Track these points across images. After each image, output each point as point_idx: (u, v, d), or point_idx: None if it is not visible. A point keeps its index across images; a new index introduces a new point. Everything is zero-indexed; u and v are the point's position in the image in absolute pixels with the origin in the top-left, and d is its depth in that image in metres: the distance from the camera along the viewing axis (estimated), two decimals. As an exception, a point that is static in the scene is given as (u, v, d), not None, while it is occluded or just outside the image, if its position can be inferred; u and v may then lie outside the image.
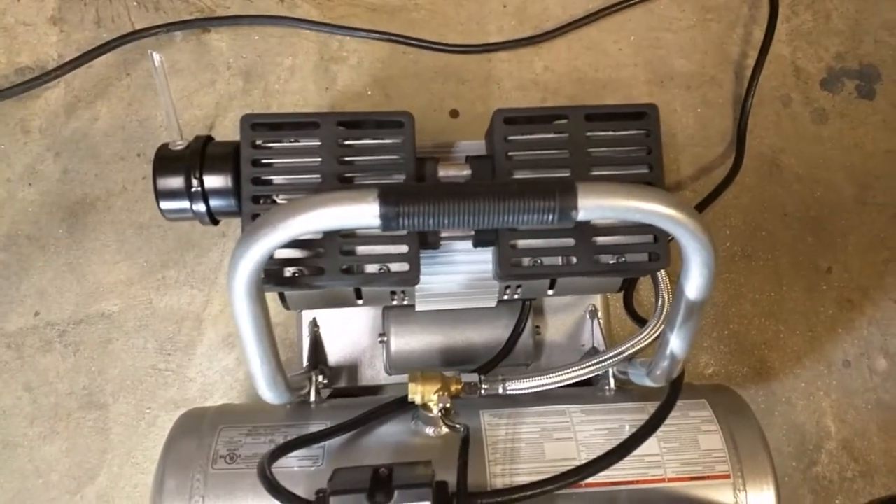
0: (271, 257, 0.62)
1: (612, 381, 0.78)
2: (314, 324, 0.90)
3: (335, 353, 0.91)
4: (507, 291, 0.76)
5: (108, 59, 1.03)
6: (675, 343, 0.60)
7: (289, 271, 0.62)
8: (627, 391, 0.78)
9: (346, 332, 0.91)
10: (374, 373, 0.91)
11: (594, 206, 0.50)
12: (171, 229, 1.00)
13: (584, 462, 0.61)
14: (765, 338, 1.01)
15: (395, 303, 0.78)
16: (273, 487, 0.54)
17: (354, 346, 0.91)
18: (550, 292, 0.77)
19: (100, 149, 1.01)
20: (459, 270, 0.73)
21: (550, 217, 0.50)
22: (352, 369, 0.92)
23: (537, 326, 0.90)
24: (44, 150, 1.01)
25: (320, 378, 0.79)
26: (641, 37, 1.09)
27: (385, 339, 0.86)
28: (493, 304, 0.80)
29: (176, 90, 1.03)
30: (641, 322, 0.89)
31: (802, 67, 1.09)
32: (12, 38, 1.04)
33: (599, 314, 0.92)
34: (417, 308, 0.80)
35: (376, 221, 0.49)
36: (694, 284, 0.55)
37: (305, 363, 0.88)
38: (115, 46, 1.01)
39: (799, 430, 1.01)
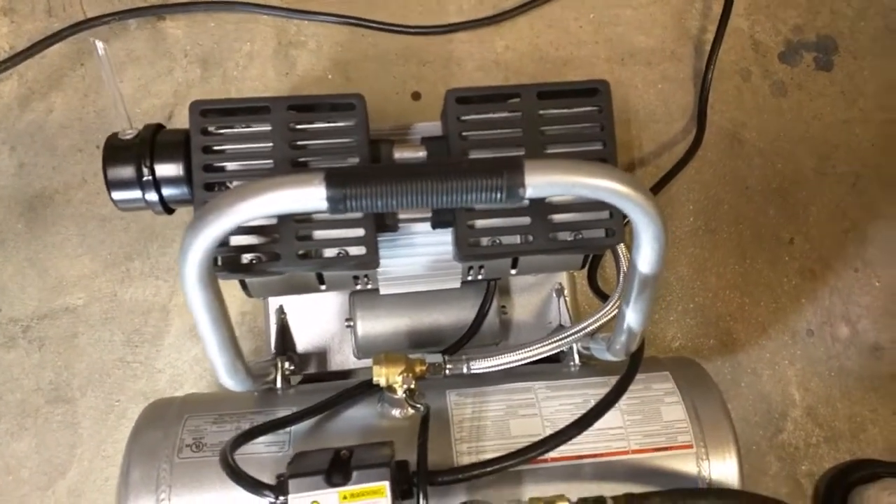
0: (227, 244, 0.62)
1: (576, 357, 0.79)
2: (281, 311, 0.90)
3: (303, 339, 0.91)
4: (471, 272, 0.77)
5: (62, 49, 1.01)
6: (632, 316, 0.61)
7: (246, 258, 0.62)
8: (592, 366, 0.79)
9: (314, 318, 0.91)
10: (344, 358, 0.91)
11: (542, 182, 0.50)
12: (134, 221, 0.99)
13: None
14: (730, 310, 1.02)
15: (359, 287, 0.78)
16: (234, 473, 0.54)
17: (322, 331, 0.91)
18: (513, 272, 0.77)
19: (56, 141, 1.00)
20: (420, 252, 0.73)
21: (498, 195, 0.50)
22: (321, 355, 0.92)
23: (503, 306, 0.90)
24: (-2, 144, 1.00)
25: (287, 364, 0.79)
26: (601, 14, 1.09)
27: (352, 323, 0.86)
28: (457, 285, 0.80)
29: (132, 79, 1.02)
30: (605, 297, 0.89)
31: (761, 41, 1.10)
32: (-38, 29, 1.02)
33: (566, 292, 0.93)
34: (382, 292, 0.80)
35: (323, 205, 0.49)
36: (645, 258, 0.56)
37: (272, 350, 0.88)
38: (67, 36, 1.00)
39: (765, 400, 1.02)
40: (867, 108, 1.08)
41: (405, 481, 0.53)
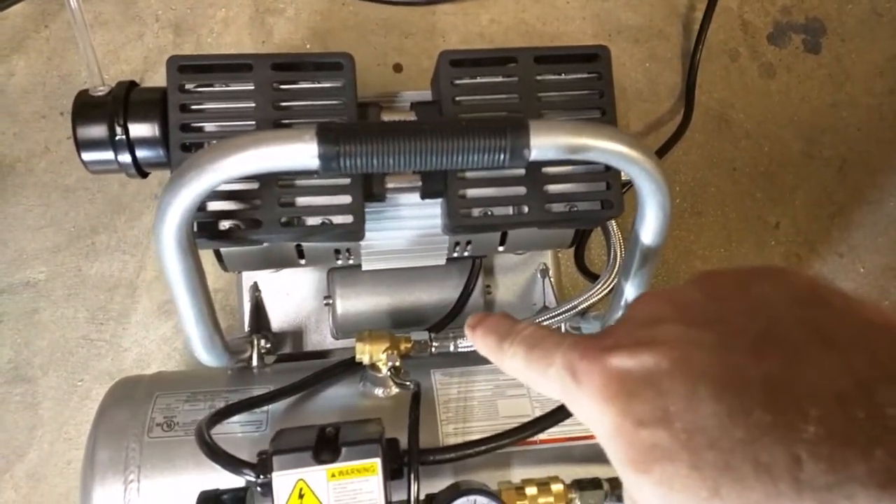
0: (204, 209, 0.58)
1: (565, 337, 0.77)
2: (255, 288, 0.86)
3: (278, 318, 0.87)
4: (457, 248, 0.74)
5: (24, 9, 0.96)
6: (631, 291, 0.59)
7: (224, 224, 0.58)
8: (581, 347, 0.77)
9: (290, 296, 0.88)
10: (321, 338, 0.88)
11: (547, 144, 0.47)
12: (100, 192, 0.94)
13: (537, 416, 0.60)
14: (715, 293, 1.01)
15: (339, 263, 0.75)
16: (212, 451, 0.51)
17: (298, 310, 0.88)
18: (501, 248, 0.74)
19: (18, 107, 0.94)
20: (407, 226, 0.69)
21: (501, 157, 0.47)
22: (296, 335, 0.88)
23: (488, 286, 0.88)
24: (-45, 109, 0.94)
25: (262, 342, 0.76)
26: (590, -11, 1.06)
27: (330, 301, 0.82)
28: (442, 261, 0.77)
29: (101, 44, 0.97)
30: (593, 277, 0.87)
31: (750, 21, 1.08)
32: (-84, -14, 0.96)
33: (550, 273, 0.90)
34: (364, 267, 0.76)
35: (314, 162, 0.46)
36: (649, 228, 0.54)
37: (247, 328, 0.84)
38: (31, -6, 0.94)
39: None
40: (854, 92, 1.07)
41: (395, 460, 0.50)
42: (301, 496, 0.47)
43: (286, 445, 0.48)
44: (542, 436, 0.64)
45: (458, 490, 0.52)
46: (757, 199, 1.03)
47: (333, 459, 0.46)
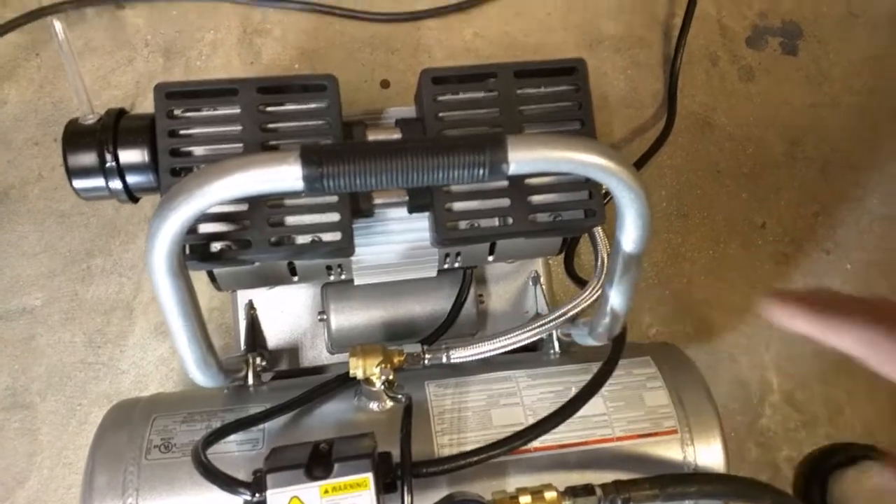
0: (195, 231, 0.59)
1: (556, 344, 0.78)
2: (250, 306, 0.87)
3: (274, 335, 0.88)
4: (448, 259, 0.75)
5: (16, 38, 0.97)
6: (615, 298, 0.60)
7: (215, 246, 0.59)
8: (572, 353, 0.78)
9: (285, 313, 0.88)
10: (317, 353, 0.89)
11: (525, 158, 0.48)
12: (95, 216, 0.95)
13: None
14: (705, 296, 1.02)
15: (332, 278, 0.76)
16: (208, 471, 0.51)
17: (294, 327, 0.89)
18: (490, 258, 0.75)
19: (11, 134, 0.96)
20: (396, 240, 0.71)
21: (481, 172, 0.48)
22: (293, 351, 0.89)
23: (480, 295, 0.89)
24: (-52, 139, 0.95)
25: (258, 360, 0.77)
26: (569, 0, 1.08)
27: (325, 317, 0.83)
28: (433, 273, 0.78)
29: (91, 70, 0.98)
30: (583, 283, 0.88)
31: (728, 25, 1.10)
32: None
33: (542, 280, 0.91)
34: (356, 282, 0.77)
35: (299, 184, 0.47)
36: (630, 236, 0.55)
37: (243, 347, 0.85)
38: (21, 24, 0.95)
39: (743, 386, 1.02)
40: (833, 93, 1.08)
41: (388, 473, 0.51)
42: (296, 512, 0.48)
43: (280, 463, 0.48)
44: (535, 443, 0.65)
45: (452, 501, 0.53)
46: (742, 200, 1.05)
47: (326, 475, 0.47)
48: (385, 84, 1.03)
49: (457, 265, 0.77)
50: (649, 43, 1.08)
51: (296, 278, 0.73)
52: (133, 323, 0.94)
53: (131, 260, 0.95)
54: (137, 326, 0.94)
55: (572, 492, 0.58)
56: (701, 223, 1.03)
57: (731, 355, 1.02)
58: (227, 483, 0.50)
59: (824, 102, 1.08)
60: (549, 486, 0.58)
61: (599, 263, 0.75)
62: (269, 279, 0.74)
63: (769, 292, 0.41)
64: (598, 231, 0.77)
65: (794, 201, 1.05)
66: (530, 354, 0.81)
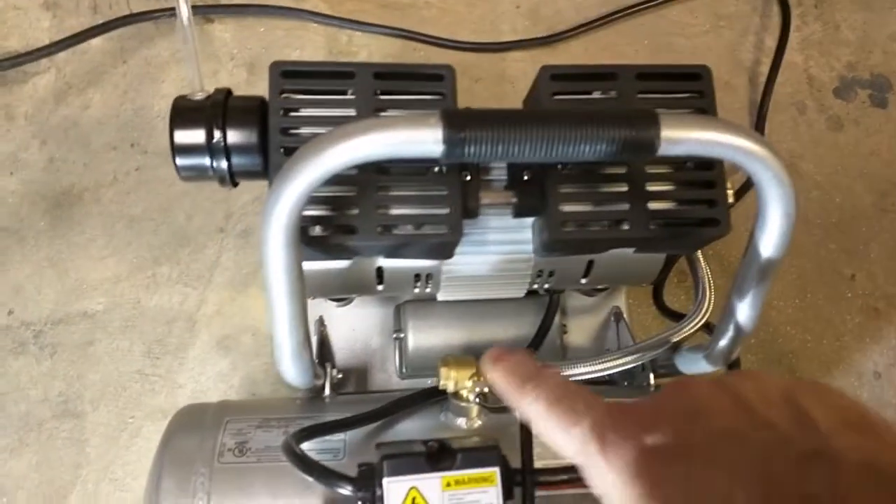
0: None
1: (651, 375, 0.73)
2: (321, 322, 0.84)
3: (343, 354, 0.84)
4: (539, 279, 0.71)
5: (104, 45, 0.97)
6: (744, 312, 0.56)
7: (315, 230, 0.56)
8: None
9: (356, 331, 0.85)
10: (386, 377, 0.84)
11: (677, 137, 0.45)
12: (165, 223, 0.93)
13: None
14: (792, 347, 0.97)
15: (416, 290, 0.72)
16: (306, 465, 0.47)
17: (365, 346, 0.85)
18: (584, 280, 0.72)
19: (90, 138, 0.95)
20: (492, 251, 0.67)
21: (630, 148, 0.45)
22: (361, 373, 0.85)
23: (563, 325, 0.84)
24: (29, 138, 0.94)
25: (335, 372, 0.73)
26: (656, 41, 1.07)
27: (401, 335, 0.79)
28: (521, 293, 0.74)
29: (175, 80, 0.98)
30: (672, 315, 0.84)
31: (815, 76, 1.08)
32: (1, 22, 0.98)
33: (625, 316, 0.87)
34: (440, 297, 0.74)
35: (438, 148, 0.44)
36: (771, 238, 0.51)
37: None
38: (111, 28, 0.96)
39: (827, 446, 0.95)
40: (924, 148, 1.05)
41: (508, 477, 0.46)
42: (411, 507, 0.43)
43: (396, 451, 0.44)
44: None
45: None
46: (831, 251, 1.00)
47: (451, 466, 0.42)
48: (466, 111, 1.01)
49: (546, 286, 0.73)
50: (735, 88, 1.06)
51: (381, 287, 0.70)
52: (195, 336, 0.91)
53: (198, 270, 0.92)
54: (199, 339, 0.91)
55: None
56: (788, 271, 0.99)
57: (817, 413, 0.96)
58: (329, 477, 0.46)
59: (914, 157, 1.05)
60: None
61: (700, 292, 0.71)
62: (354, 285, 0.71)
63: (497, 348, 0.41)
64: (700, 258, 0.73)
65: (885, 255, 1.01)
66: (621, 388, 0.76)
